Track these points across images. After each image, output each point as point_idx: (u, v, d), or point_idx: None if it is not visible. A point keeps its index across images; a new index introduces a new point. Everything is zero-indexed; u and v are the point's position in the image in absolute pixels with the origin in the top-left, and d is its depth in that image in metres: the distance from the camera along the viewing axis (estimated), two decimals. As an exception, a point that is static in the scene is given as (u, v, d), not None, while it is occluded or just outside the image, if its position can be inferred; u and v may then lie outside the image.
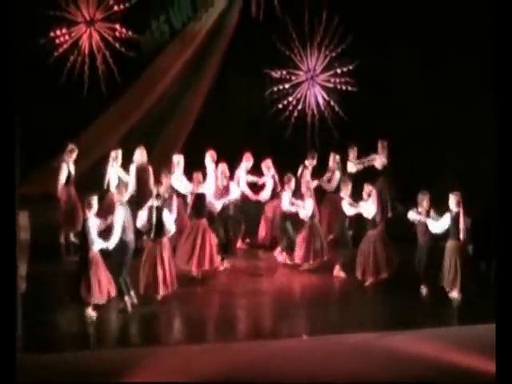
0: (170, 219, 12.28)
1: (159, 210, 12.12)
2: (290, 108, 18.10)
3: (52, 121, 16.45)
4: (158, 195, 12.24)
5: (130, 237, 11.99)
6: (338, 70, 18.04)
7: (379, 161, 15.96)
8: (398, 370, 9.90)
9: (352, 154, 16.01)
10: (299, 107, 18.16)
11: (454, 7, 14.87)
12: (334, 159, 15.77)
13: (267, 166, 15.39)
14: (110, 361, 10.17)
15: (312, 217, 14.03)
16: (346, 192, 13.54)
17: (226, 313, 12.30)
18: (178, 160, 14.68)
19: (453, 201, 12.41)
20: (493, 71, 10.12)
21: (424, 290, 12.78)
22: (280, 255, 14.55)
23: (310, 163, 15.43)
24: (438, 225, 12.43)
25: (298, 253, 14.05)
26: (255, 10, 18.02)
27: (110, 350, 10.69)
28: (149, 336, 11.39)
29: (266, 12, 17.92)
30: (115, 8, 17.48)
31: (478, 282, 12.78)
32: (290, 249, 14.34)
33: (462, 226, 12.31)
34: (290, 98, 18.15)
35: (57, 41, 17.17)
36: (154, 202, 12.15)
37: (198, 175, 13.75)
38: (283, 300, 12.92)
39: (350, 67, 17.89)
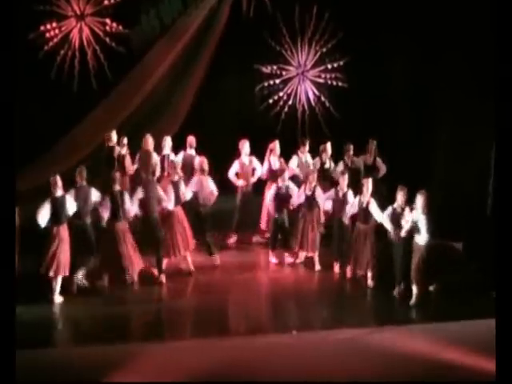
0: (129, 203, 12.67)
1: (121, 194, 12.56)
2: (281, 103, 18.19)
3: (41, 116, 16.37)
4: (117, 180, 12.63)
5: (85, 221, 12.41)
6: (329, 66, 18.12)
7: (365, 161, 15.67)
8: (389, 366, 9.93)
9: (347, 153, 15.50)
10: (290, 102, 18.24)
11: (448, 1, 14.85)
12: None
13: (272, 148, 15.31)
14: (101, 357, 10.14)
15: (312, 208, 13.89)
16: (344, 184, 13.51)
17: (215, 309, 12.23)
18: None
19: (420, 199, 12.14)
20: (491, 70, 10.17)
21: (397, 290, 12.59)
22: (273, 256, 14.32)
23: (303, 151, 15.39)
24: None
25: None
26: (246, 6, 18.01)
27: (100, 347, 10.59)
28: (140, 332, 11.38)
29: (257, 7, 17.91)
30: (106, 2, 17.47)
31: (469, 280, 12.92)
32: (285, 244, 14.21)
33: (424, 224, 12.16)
34: (281, 94, 18.25)
35: (47, 35, 17.15)
36: (116, 187, 12.55)
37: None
38: (272, 296, 12.93)
39: (341, 63, 17.97)
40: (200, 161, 14.05)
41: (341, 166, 15.17)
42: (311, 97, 18.29)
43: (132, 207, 12.77)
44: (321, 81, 18.25)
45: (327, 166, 15.26)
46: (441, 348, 10.26)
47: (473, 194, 13.91)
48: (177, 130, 17.42)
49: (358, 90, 17.61)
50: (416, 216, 12.13)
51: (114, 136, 15.14)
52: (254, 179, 15.28)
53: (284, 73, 18.30)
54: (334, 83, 18.08)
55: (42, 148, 16.73)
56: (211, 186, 13.87)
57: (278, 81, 18.25)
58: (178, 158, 15.00)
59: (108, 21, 17.45)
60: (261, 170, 15.27)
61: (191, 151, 15.27)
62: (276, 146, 15.26)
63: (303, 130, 17.90)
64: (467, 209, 14.02)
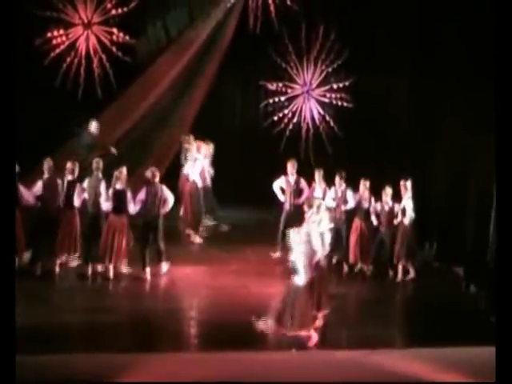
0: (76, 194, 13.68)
1: (71, 183, 13.71)
2: (285, 121, 18.19)
3: (45, 122, 16.29)
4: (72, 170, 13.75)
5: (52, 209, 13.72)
6: (334, 86, 18.13)
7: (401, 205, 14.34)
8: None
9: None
10: (294, 120, 18.23)
11: (454, 24, 14.82)
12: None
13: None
14: (102, 365, 9.96)
15: None
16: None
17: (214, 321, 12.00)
18: None
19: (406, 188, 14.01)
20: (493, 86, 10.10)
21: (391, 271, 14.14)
22: None
23: (340, 183, 14.61)
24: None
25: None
26: (252, 22, 18.02)
27: (102, 355, 10.36)
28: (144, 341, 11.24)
29: (264, 24, 17.92)
30: (113, 12, 17.43)
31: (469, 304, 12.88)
32: None
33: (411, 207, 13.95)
34: (286, 111, 18.25)
35: (53, 42, 17.08)
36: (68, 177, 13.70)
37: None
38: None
39: (346, 83, 17.97)
40: (151, 170, 14.08)
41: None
42: (316, 116, 18.28)
43: (77, 198, 13.64)
44: (326, 100, 18.24)
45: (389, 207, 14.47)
46: (439, 373, 10.13)
47: (474, 220, 13.80)
48: (179, 144, 17.38)
49: (363, 110, 17.56)
50: (404, 203, 14.03)
51: (191, 139, 15.84)
52: (300, 201, 14.66)
53: (289, 90, 18.31)
54: (339, 103, 18.07)
55: (44, 154, 16.65)
56: (165, 194, 13.94)
57: (283, 98, 18.27)
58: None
59: (115, 30, 17.40)
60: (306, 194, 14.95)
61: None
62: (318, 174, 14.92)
63: (307, 149, 17.87)
64: (469, 234, 13.93)
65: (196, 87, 18.17)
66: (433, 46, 15.84)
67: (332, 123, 18.04)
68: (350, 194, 14.52)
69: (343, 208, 14.43)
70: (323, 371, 10.20)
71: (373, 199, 14.36)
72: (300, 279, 10.72)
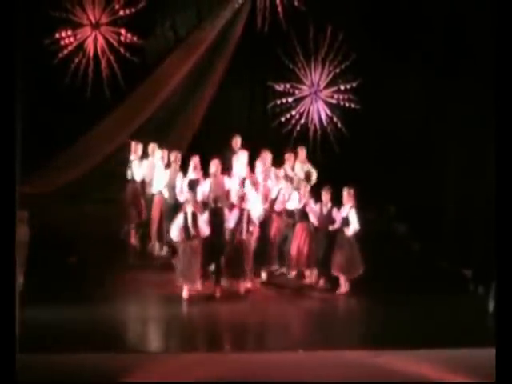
0: None
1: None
2: (293, 122, 18.19)
3: (54, 122, 16.41)
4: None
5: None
6: (342, 87, 18.12)
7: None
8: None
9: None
10: (302, 121, 18.23)
11: (463, 27, 14.80)
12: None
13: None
14: (106, 365, 9.99)
15: None
16: None
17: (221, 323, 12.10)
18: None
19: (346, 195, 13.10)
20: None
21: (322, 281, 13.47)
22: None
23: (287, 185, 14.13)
24: None
25: None
26: (260, 23, 18.06)
27: (107, 354, 10.34)
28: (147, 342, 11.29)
29: (271, 25, 17.96)
30: (121, 13, 17.56)
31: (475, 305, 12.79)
32: None
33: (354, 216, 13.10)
34: (293, 112, 18.24)
35: (62, 42, 17.25)
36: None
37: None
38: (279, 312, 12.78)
39: (354, 84, 17.96)
40: (215, 164, 14.00)
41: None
42: (323, 117, 18.27)
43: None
44: (333, 101, 18.23)
45: None
46: (440, 373, 10.14)
47: (482, 220, 13.76)
48: (186, 145, 17.45)
49: (370, 112, 17.54)
50: (345, 211, 13.07)
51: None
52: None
53: (297, 91, 18.30)
54: (347, 104, 18.07)
55: (53, 153, 16.82)
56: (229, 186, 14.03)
57: (290, 99, 18.25)
58: None
59: (123, 31, 17.53)
60: None
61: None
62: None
63: (314, 150, 17.87)
64: (477, 235, 13.89)
65: (203, 88, 18.21)
66: (441, 48, 15.85)
67: (339, 124, 18.06)
68: (295, 196, 13.88)
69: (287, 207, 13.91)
70: (329, 371, 10.22)
71: (312, 201, 13.59)
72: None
